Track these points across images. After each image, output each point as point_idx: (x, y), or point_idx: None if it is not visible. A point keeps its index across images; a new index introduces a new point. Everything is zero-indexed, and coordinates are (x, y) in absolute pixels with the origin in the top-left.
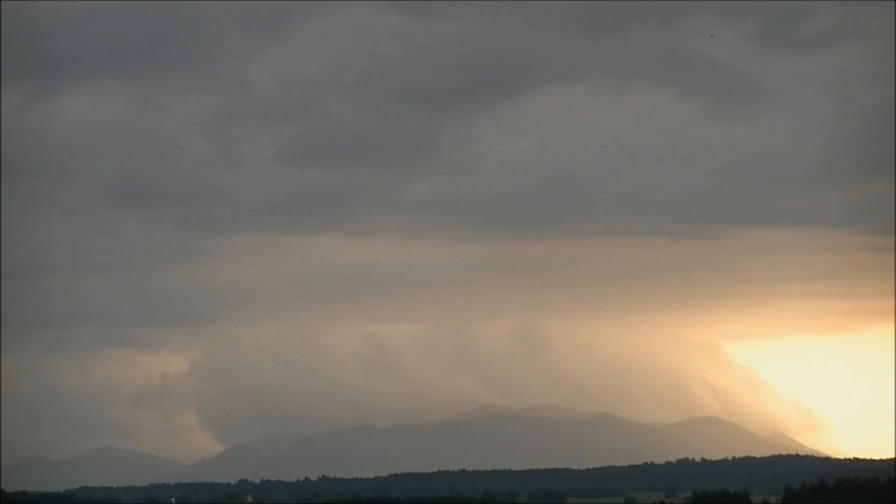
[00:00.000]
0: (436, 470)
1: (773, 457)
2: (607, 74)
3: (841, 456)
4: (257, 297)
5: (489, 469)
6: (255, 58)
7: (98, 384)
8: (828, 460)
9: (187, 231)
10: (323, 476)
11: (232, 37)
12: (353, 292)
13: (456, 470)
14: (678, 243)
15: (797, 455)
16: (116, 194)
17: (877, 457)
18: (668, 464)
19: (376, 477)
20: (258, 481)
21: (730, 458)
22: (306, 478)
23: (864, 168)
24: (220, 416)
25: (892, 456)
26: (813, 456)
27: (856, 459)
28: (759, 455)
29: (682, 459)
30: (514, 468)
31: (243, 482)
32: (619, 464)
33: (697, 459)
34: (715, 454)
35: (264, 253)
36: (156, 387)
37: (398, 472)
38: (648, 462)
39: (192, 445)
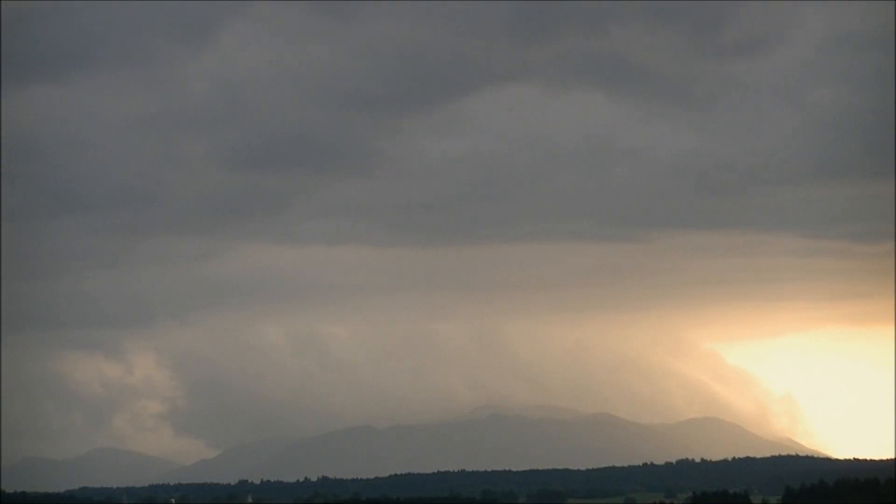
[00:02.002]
0: (435, 470)
1: (773, 457)
2: (539, 78)
3: (841, 456)
4: (205, 299)
5: (489, 469)
6: (184, 61)
7: (76, 386)
8: (828, 460)
9: (120, 235)
10: (322, 476)
11: (160, 39)
12: (290, 294)
13: (455, 470)
14: (608, 246)
15: (797, 455)
16: (51, 198)
17: (877, 457)
18: (668, 464)
19: (376, 477)
20: (258, 482)
21: (730, 458)
22: (306, 478)
23: (798, 172)
24: (217, 416)
25: (892, 456)
26: (813, 456)
27: (856, 459)
28: (758, 455)
29: (681, 460)
30: (513, 469)
31: (243, 483)
32: (618, 464)
33: (697, 460)
34: (715, 454)
35: (198, 257)
36: (141, 388)
37: (398, 472)
38: (648, 462)
39: (191, 446)
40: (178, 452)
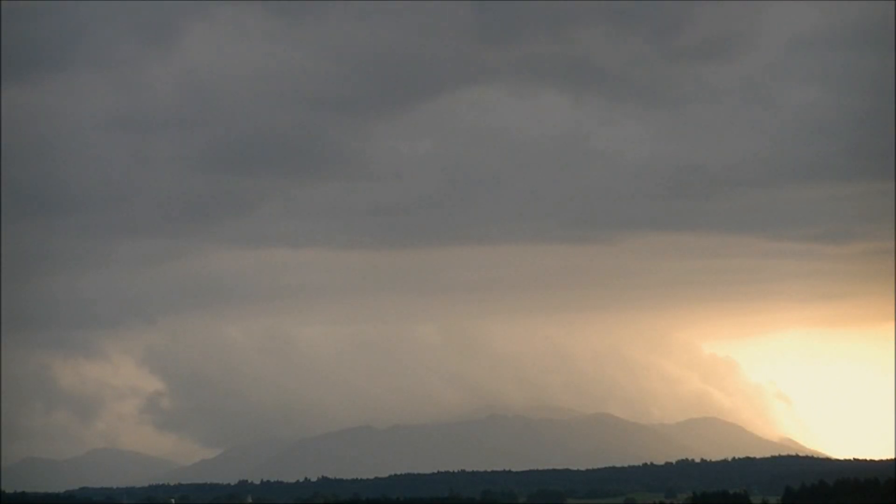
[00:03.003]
0: (435, 471)
1: (773, 457)
2: (506, 80)
3: (841, 456)
4: (182, 301)
5: (489, 470)
6: (150, 63)
7: (58, 386)
8: (828, 461)
9: (89, 237)
10: (322, 477)
11: (127, 40)
12: (257, 296)
13: (455, 471)
14: (576, 248)
15: (797, 455)
16: (20, 200)
17: (877, 457)
18: (668, 464)
19: (376, 478)
20: (258, 482)
21: (729, 458)
22: (306, 478)
23: (766, 174)
24: (214, 417)
25: (892, 456)
26: (813, 456)
27: (856, 460)
28: (758, 456)
29: (681, 460)
30: (513, 469)
31: (243, 483)
32: (618, 464)
33: (697, 460)
34: (714, 455)
35: (166, 259)
36: (134, 389)
37: (398, 472)
38: (648, 463)
39: (190, 446)
40: (178, 452)
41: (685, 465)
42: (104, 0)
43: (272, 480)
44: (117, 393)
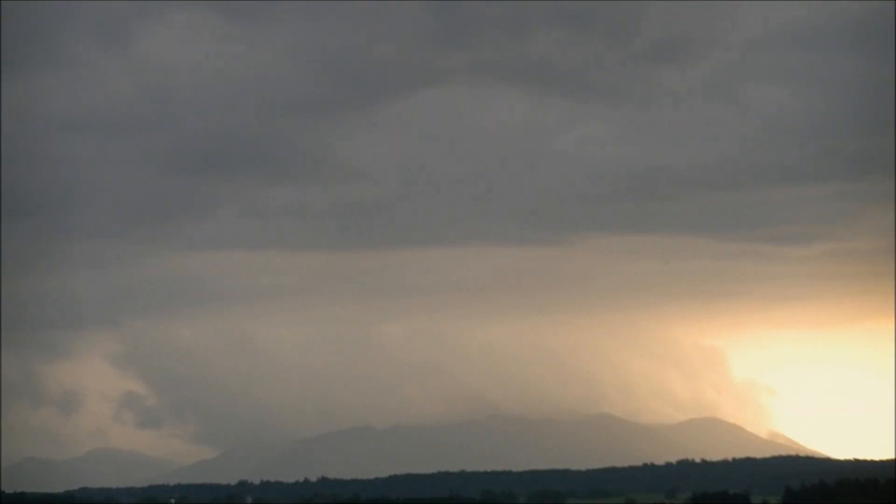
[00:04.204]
0: (435, 471)
1: (773, 457)
2: (463, 81)
3: (841, 456)
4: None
5: (489, 470)
6: (105, 62)
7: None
8: (828, 461)
9: (48, 239)
10: (322, 477)
11: (82, 40)
12: (225, 297)
13: (455, 471)
14: (535, 250)
15: (797, 456)
16: None
17: (877, 457)
18: (668, 465)
19: (376, 478)
20: (257, 482)
21: (730, 458)
22: (306, 479)
23: (728, 175)
24: (210, 417)
25: (892, 456)
26: (813, 457)
27: (856, 460)
28: (759, 456)
29: (682, 460)
30: (513, 469)
31: (242, 483)
32: (618, 465)
33: (697, 460)
34: (715, 455)
35: (125, 261)
36: (122, 391)
37: (398, 472)
38: (648, 463)
39: (189, 446)
40: (178, 452)
41: (685, 466)
42: (61, 0)
43: (272, 480)
44: (103, 394)
